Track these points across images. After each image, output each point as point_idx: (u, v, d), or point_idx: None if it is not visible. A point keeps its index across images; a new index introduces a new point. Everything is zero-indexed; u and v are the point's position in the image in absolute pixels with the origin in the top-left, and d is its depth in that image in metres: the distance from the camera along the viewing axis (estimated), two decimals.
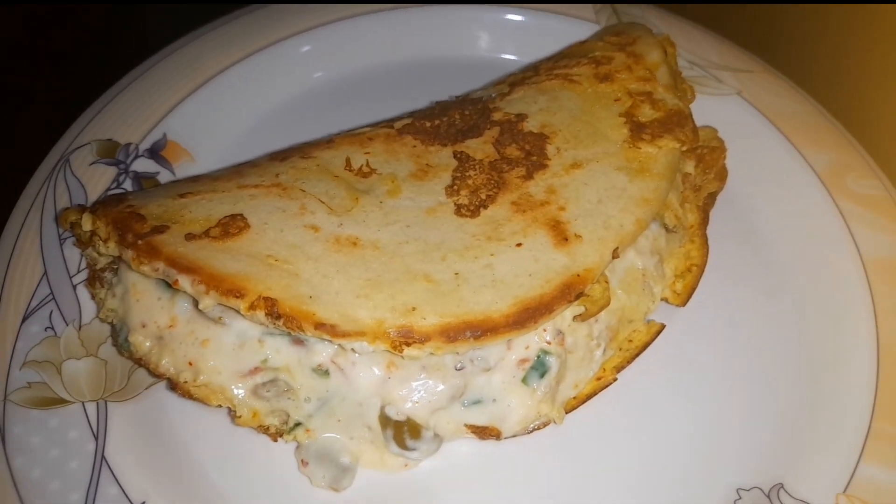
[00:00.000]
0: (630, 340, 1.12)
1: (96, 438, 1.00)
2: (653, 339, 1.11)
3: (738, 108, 1.41)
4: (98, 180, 1.25)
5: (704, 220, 1.21)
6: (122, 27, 1.77)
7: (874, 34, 1.73)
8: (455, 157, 1.12)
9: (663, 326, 1.12)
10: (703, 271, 1.16)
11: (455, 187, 1.08)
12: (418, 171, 1.11)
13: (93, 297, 1.11)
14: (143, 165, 1.29)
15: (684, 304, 1.15)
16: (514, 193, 1.07)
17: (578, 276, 0.99)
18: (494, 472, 1.05)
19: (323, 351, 1.00)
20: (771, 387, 1.10)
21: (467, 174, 1.09)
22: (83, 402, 1.03)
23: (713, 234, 1.21)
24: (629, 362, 1.10)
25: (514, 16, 1.55)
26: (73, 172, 1.24)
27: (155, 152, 1.31)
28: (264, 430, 1.04)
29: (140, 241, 0.98)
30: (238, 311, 0.94)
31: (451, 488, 1.04)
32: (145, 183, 1.28)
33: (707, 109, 1.33)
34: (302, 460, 1.02)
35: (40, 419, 1.00)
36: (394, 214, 1.05)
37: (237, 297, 0.93)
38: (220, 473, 1.03)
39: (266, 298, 0.93)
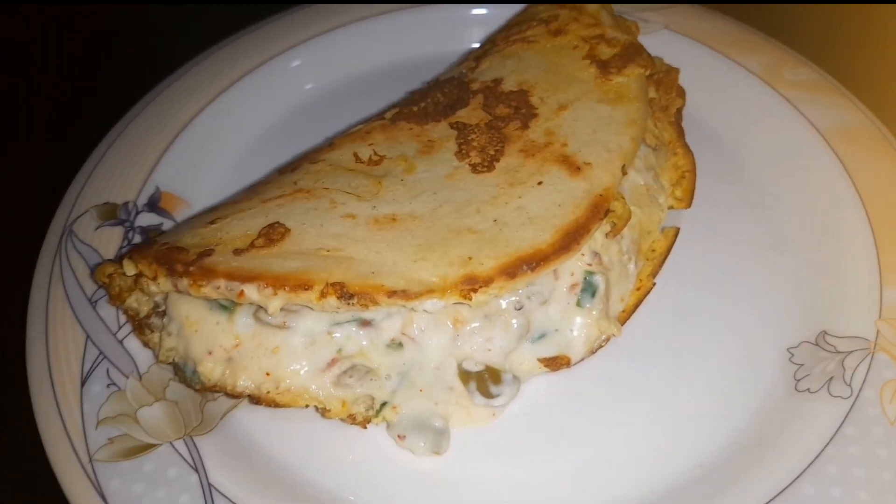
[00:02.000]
0: (653, 250, 1.21)
1: (196, 470, 1.00)
2: (673, 243, 1.21)
3: (669, 40, 1.55)
4: (108, 242, 1.25)
5: (680, 133, 1.33)
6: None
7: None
8: (452, 127, 1.20)
9: (678, 230, 1.22)
10: (695, 174, 1.27)
11: (463, 151, 1.15)
12: (424, 147, 1.18)
13: (146, 345, 1.12)
14: (146, 220, 1.30)
15: (689, 205, 1.25)
16: (518, 143, 1.16)
17: (601, 195, 1.08)
18: (573, 401, 1.11)
19: (391, 326, 1.04)
20: (786, 257, 1.21)
21: (470, 138, 1.17)
22: (170, 442, 1.03)
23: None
24: (660, 266, 1.19)
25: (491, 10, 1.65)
26: (82, 240, 1.24)
27: (153, 205, 1.33)
28: (352, 419, 1.06)
29: (192, 268, 1.00)
30: (308, 305, 0.98)
31: (539, 424, 1.09)
32: (153, 235, 1.29)
33: (645, 46, 1.46)
34: (398, 436, 1.05)
35: (134, 468, 0.99)
36: (418, 187, 1.11)
37: (306, 290, 0.96)
38: (321, 471, 1.04)
39: (334, 284, 0.97)
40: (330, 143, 1.22)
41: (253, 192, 1.16)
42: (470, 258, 1.00)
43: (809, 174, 1.30)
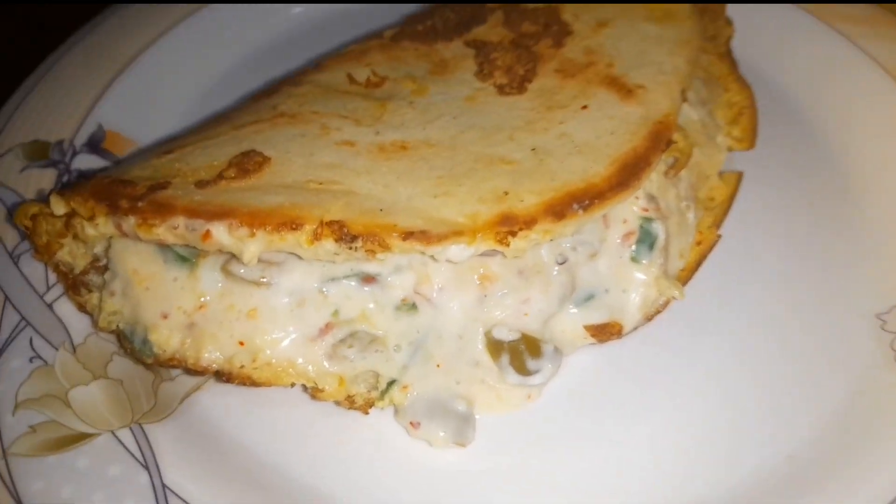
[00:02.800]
0: (711, 198, 1.00)
1: (146, 468, 0.76)
2: (736, 190, 1.00)
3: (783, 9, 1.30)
4: (37, 186, 1.00)
5: (733, 64, 1.12)
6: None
7: None
8: (469, 45, 0.98)
9: (741, 174, 1.02)
10: (755, 111, 1.07)
11: (485, 71, 0.93)
12: (435, 67, 0.96)
13: (81, 308, 0.87)
14: (87, 162, 1.06)
15: (752, 146, 1.04)
16: (552, 62, 0.94)
17: (661, 122, 0.87)
18: (625, 380, 0.89)
19: (402, 283, 0.81)
20: (867, 208, 1.01)
21: (492, 56, 0.95)
22: (112, 432, 0.78)
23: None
24: (724, 217, 0.98)
25: None
26: (2, 182, 0.99)
27: (95, 146, 1.08)
28: (351, 403, 0.83)
29: (141, 203, 0.76)
30: (297, 251, 0.74)
31: (583, 410, 0.87)
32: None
33: (756, 15, 1.24)
34: (411, 423, 0.82)
35: (62, 465, 0.75)
36: (432, 111, 0.88)
37: (294, 230, 0.73)
38: (309, 471, 0.81)
39: (330, 223, 0.74)
40: (315, 65, 0.99)
41: (223, 119, 0.92)
42: (506, 193, 0.78)
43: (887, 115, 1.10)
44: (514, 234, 0.76)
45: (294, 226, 0.73)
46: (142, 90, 1.16)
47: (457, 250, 0.76)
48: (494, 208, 0.77)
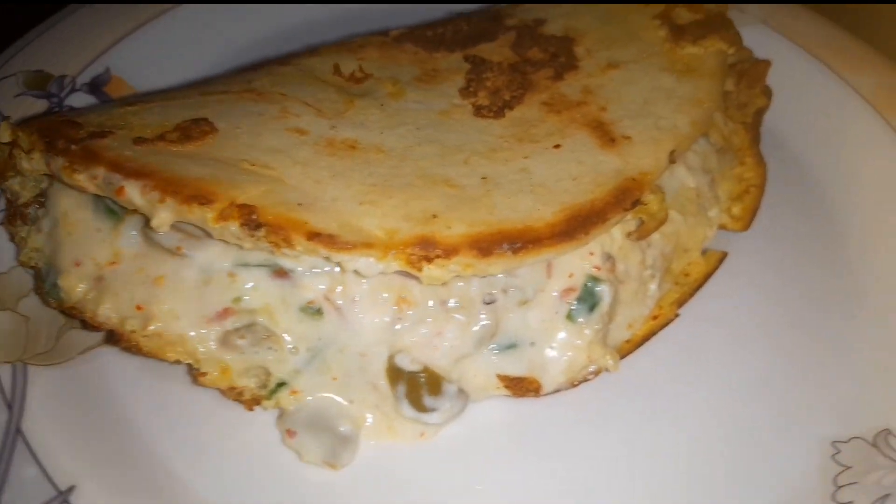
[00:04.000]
0: (686, 274, 0.92)
1: (10, 408, 0.75)
2: (714, 270, 0.92)
3: (764, 37, 1.25)
4: (25, 114, 1.01)
5: (755, 139, 1.04)
6: None
7: None
8: (467, 60, 0.93)
9: (725, 255, 0.93)
10: (762, 191, 0.98)
11: (471, 89, 0.89)
12: (424, 75, 0.92)
13: (12, 238, 0.87)
14: (82, 101, 1.07)
15: (746, 227, 0.96)
16: (543, 94, 0.89)
17: (634, 179, 0.80)
18: (533, 441, 0.82)
19: (314, 285, 0.77)
20: (857, 320, 0.91)
21: (484, 76, 0.90)
22: None
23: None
24: (690, 296, 0.90)
25: None
26: None
27: (96, 87, 1.09)
28: (236, 395, 0.80)
29: (74, 147, 0.76)
30: (203, 226, 0.72)
31: (479, 463, 0.80)
32: None
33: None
34: (287, 430, 0.78)
35: None
36: (399, 116, 0.84)
37: (203, 205, 0.71)
38: (176, 453, 0.78)
39: (242, 205, 0.71)
40: (313, 50, 0.97)
41: (197, 84, 0.91)
42: (435, 216, 0.73)
43: None
44: (429, 260, 0.71)
45: (204, 200, 0.71)
46: (161, 45, 1.17)
47: (365, 263, 0.71)
48: (416, 229, 0.72)
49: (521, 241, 0.73)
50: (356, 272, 0.72)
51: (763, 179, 0.99)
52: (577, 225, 0.76)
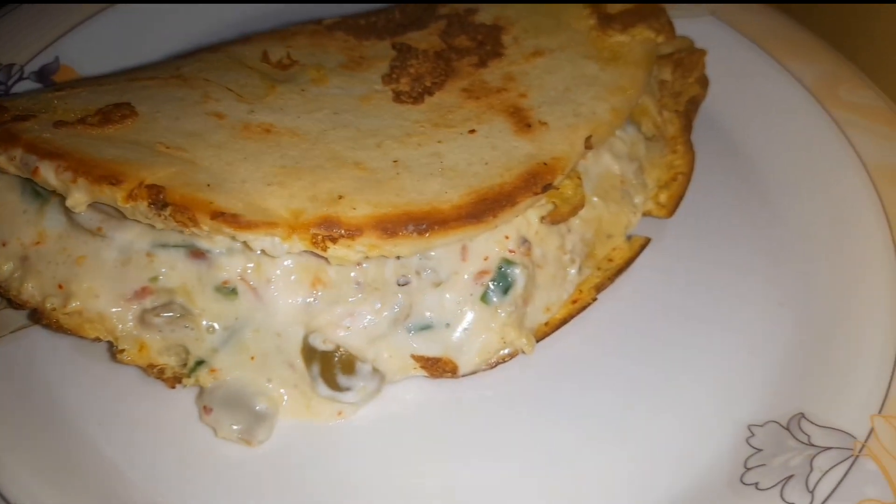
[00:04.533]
0: (610, 259, 0.93)
1: None
2: (636, 256, 0.93)
3: (713, 29, 1.26)
4: None
5: (687, 127, 1.05)
6: None
7: None
8: (394, 48, 0.95)
9: (648, 241, 0.94)
10: (689, 179, 0.99)
11: (394, 76, 0.90)
12: (349, 62, 0.93)
13: None
14: (28, 88, 1.09)
15: (671, 214, 0.97)
16: (464, 80, 0.90)
17: (545, 164, 0.81)
18: (450, 423, 0.84)
19: (229, 265, 0.79)
20: (777, 308, 0.92)
21: (409, 63, 0.91)
22: None
23: (700, 155, 1.04)
24: (610, 282, 0.91)
25: None
26: None
27: (44, 75, 1.11)
28: (157, 373, 0.82)
29: None
30: (115, 205, 0.74)
31: (396, 444, 0.82)
32: None
33: (681, 31, 1.18)
34: (204, 407, 0.80)
35: None
36: (318, 101, 0.86)
37: (112, 185, 0.73)
38: (98, 430, 0.80)
39: (150, 186, 0.73)
40: (245, 37, 0.99)
41: (128, 71, 0.93)
42: (340, 197, 0.75)
43: (840, 214, 1.00)
44: (333, 240, 0.73)
45: (114, 181, 0.73)
46: (111, 34, 1.19)
47: (270, 243, 0.73)
48: (321, 209, 0.74)
49: (426, 223, 0.75)
50: (264, 252, 0.74)
51: (691, 168, 1.00)
52: (486, 208, 0.77)
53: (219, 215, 0.71)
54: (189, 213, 0.72)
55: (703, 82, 1.09)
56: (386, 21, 1.00)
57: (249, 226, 0.72)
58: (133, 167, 0.74)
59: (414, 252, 0.78)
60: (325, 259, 0.75)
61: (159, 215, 0.72)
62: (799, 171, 1.07)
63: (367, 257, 0.75)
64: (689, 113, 1.06)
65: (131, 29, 1.21)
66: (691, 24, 1.26)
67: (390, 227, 0.74)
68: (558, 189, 0.83)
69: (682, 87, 1.07)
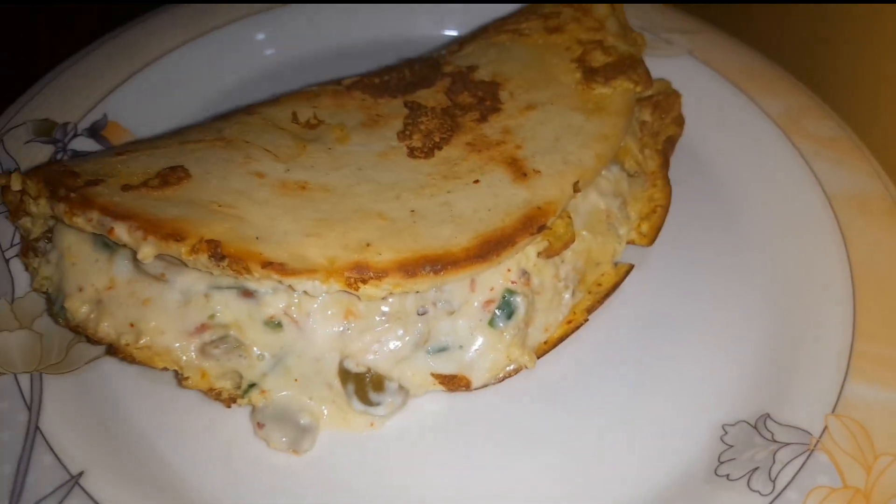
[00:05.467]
0: (599, 284, 1.07)
1: (29, 409, 0.91)
2: (622, 280, 1.07)
3: (690, 67, 1.40)
4: (34, 159, 1.18)
5: (665, 164, 1.19)
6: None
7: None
8: (406, 106, 1.09)
9: (632, 267, 1.08)
10: (667, 211, 1.13)
11: (407, 132, 1.04)
12: (368, 120, 1.07)
13: (27, 269, 1.04)
14: (83, 145, 1.23)
15: (651, 243, 1.11)
16: (468, 135, 1.04)
17: (539, 208, 0.95)
18: (467, 427, 0.98)
19: (274, 302, 0.93)
20: (746, 321, 1.06)
21: (420, 120, 1.05)
22: (15, 374, 0.95)
23: (677, 184, 1.18)
24: (600, 304, 1.05)
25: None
26: (7, 151, 1.18)
27: (95, 132, 1.25)
28: (216, 395, 0.96)
29: (73, 195, 0.92)
30: (179, 258, 0.88)
31: (421, 447, 0.96)
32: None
33: (660, 70, 1.32)
34: (258, 423, 0.95)
35: None
36: (344, 159, 1.00)
37: (178, 241, 0.87)
38: (167, 443, 0.95)
39: (209, 241, 0.87)
40: (275, 99, 1.13)
41: (177, 132, 1.08)
42: (368, 245, 0.89)
43: (802, 238, 1.14)
44: (364, 281, 0.87)
45: (178, 237, 0.87)
46: (151, 92, 1.33)
47: (311, 286, 0.87)
48: (353, 256, 0.88)
49: (440, 264, 0.89)
50: (305, 292, 0.89)
51: (668, 200, 1.14)
52: (490, 249, 0.91)
53: (268, 265, 0.86)
54: (243, 264, 0.86)
55: (679, 122, 1.23)
56: (398, 80, 1.15)
57: (294, 273, 0.86)
58: (193, 224, 0.88)
59: (431, 287, 0.92)
60: (355, 296, 0.90)
61: (218, 266, 0.86)
62: (766, 199, 1.21)
63: (391, 293, 0.90)
64: (666, 151, 1.20)
65: (169, 85, 1.36)
66: (670, 62, 1.41)
67: (411, 268, 0.88)
68: (551, 228, 0.97)
69: (660, 126, 1.21)
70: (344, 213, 0.92)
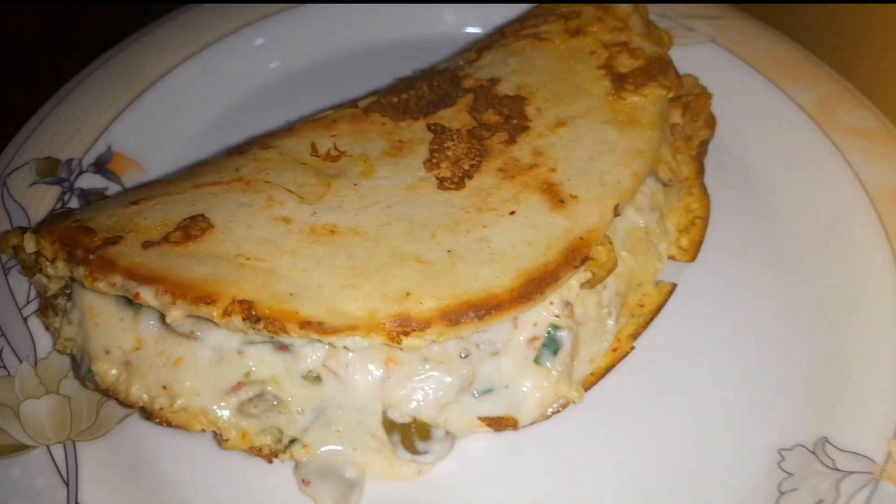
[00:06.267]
0: (641, 305, 1.04)
1: (67, 484, 0.88)
2: (665, 301, 1.03)
3: (714, 55, 1.35)
4: (41, 201, 1.13)
5: (700, 170, 1.14)
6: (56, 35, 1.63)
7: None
8: (429, 129, 1.03)
9: (675, 286, 1.04)
10: (707, 223, 1.09)
11: (434, 160, 0.99)
12: (391, 148, 1.02)
13: (47, 328, 1.00)
14: (90, 181, 1.18)
15: (693, 258, 1.07)
16: (498, 160, 0.99)
17: (581, 238, 0.91)
18: (516, 466, 0.95)
19: (311, 355, 0.90)
20: (796, 337, 1.02)
21: (445, 145, 1.00)
22: (48, 446, 0.91)
23: (711, 186, 1.14)
24: (644, 328, 1.02)
25: None
26: (12, 196, 1.12)
27: (100, 166, 1.20)
28: (256, 451, 0.93)
29: (92, 256, 0.87)
30: (212, 320, 0.84)
31: (471, 490, 0.94)
32: (93, 199, 1.16)
33: (683, 60, 1.26)
34: (303, 480, 0.92)
35: None
36: (371, 196, 0.95)
37: (209, 304, 0.83)
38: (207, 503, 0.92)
39: (241, 301, 0.83)
40: (290, 128, 1.07)
41: (191, 173, 1.02)
42: (408, 294, 0.85)
43: (847, 241, 1.10)
44: (407, 333, 0.83)
45: (209, 300, 0.82)
46: (153, 116, 1.28)
47: (352, 342, 0.83)
48: (394, 307, 0.84)
49: (484, 308, 0.85)
50: (346, 348, 0.85)
51: (707, 212, 1.10)
52: (534, 288, 0.87)
53: (306, 324, 0.82)
54: (279, 324, 0.82)
55: (711, 122, 1.18)
56: (417, 99, 1.09)
57: (334, 331, 0.82)
58: (223, 285, 0.84)
59: (473, 333, 0.88)
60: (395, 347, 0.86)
61: (254, 328, 0.82)
62: (805, 201, 1.16)
63: (435, 342, 0.86)
64: (700, 156, 1.15)
65: (172, 107, 1.30)
66: (691, 51, 1.35)
67: (454, 316, 0.84)
68: (594, 259, 0.92)
69: (692, 130, 1.16)
70: (379, 259, 0.88)
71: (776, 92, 1.28)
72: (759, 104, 1.29)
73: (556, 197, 0.94)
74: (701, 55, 1.34)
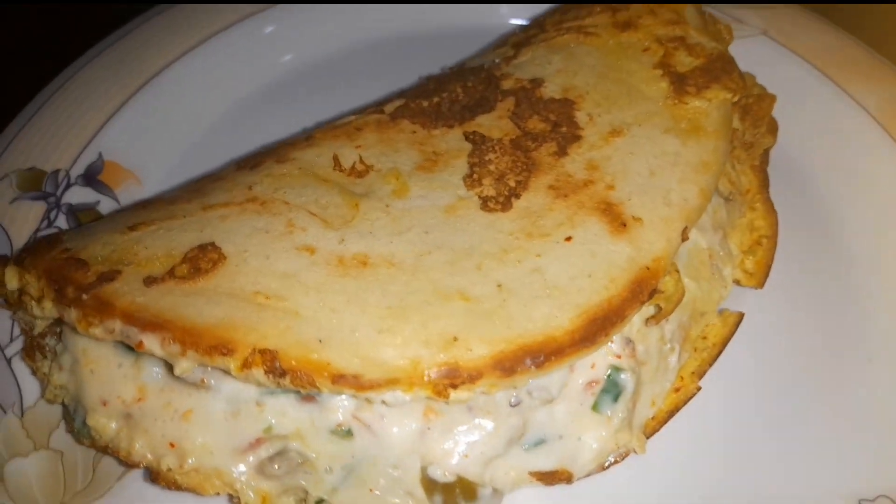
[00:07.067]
0: (704, 337, 0.93)
1: None
2: (732, 333, 0.92)
3: (765, 51, 1.22)
4: (23, 220, 1.01)
5: (764, 182, 1.02)
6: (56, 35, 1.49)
7: None
8: (467, 139, 0.91)
9: (742, 316, 0.93)
10: (775, 243, 0.98)
11: (475, 176, 0.87)
12: (425, 161, 0.90)
13: (34, 372, 0.88)
14: (79, 195, 1.06)
15: (762, 284, 0.96)
16: (548, 175, 0.87)
17: (648, 268, 0.80)
18: None
19: (341, 406, 0.78)
20: (879, 373, 0.92)
21: (486, 158, 0.88)
22: None
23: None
24: (710, 364, 0.91)
25: None
26: None
27: (91, 177, 1.07)
28: None
29: (85, 296, 0.75)
30: (228, 372, 0.72)
31: None
32: (83, 217, 1.04)
33: (732, 52, 1.15)
34: None
35: None
36: (406, 219, 0.83)
37: (224, 355, 0.71)
38: None
39: (263, 351, 0.71)
40: (308, 137, 0.95)
41: (196, 191, 0.90)
42: (455, 339, 0.73)
43: None
44: (455, 386, 0.72)
45: (225, 350, 0.71)
46: (149, 118, 1.15)
47: (392, 397, 0.72)
48: (439, 355, 0.72)
49: (542, 354, 0.74)
50: (384, 402, 0.73)
51: (775, 230, 0.98)
52: (597, 329, 0.76)
53: (339, 379, 0.70)
54: (308, 378, 0.70)
55: (773, 128, 1.06)
56: (450, 103, 0.96)
57: (372, 386, 0.70)
58: (240, 331, 0.72)
59: (528, 381, 0.77)
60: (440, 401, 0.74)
61: (278, 383, 0.70)
62: (873, 216, 1.05)
63: (483, 394, 0.74)
64: (763, 166, 1.03)
65: (169, 107, 1.17)
66: (742, 45, 1.23)
67: (509, 364, 0.73)
68: (662, 292, 0.81)
69: (753, 137, 1.04)
70: (419, 296, 0.76)
71: (836, 91, 1.17)
72: (817, 105, 1.17)
73: (616, 219, 0.83)
74: (752, 49, 1.22)
